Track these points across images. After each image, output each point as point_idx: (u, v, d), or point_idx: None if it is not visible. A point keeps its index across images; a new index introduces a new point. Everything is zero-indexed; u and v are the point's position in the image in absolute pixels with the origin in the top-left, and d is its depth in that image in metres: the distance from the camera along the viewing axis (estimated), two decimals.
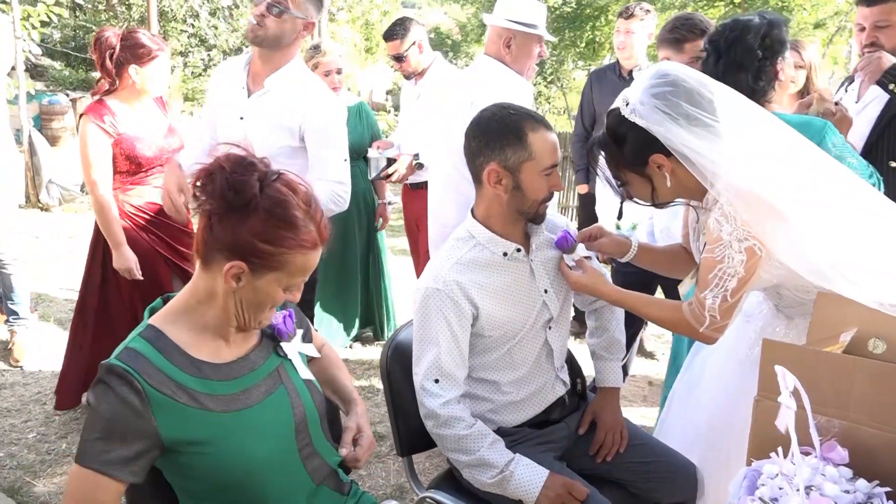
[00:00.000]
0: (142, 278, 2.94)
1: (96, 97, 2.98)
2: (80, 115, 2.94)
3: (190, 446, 1.30)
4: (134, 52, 2.88)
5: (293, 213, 1.29)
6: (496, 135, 1.75)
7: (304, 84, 2.49)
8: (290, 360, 1.50)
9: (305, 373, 1.51)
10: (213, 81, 2.68)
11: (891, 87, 2.40)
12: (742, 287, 1.57)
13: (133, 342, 1.32)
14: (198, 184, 1.29)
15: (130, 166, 2.98)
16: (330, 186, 2.42)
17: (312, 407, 1.48)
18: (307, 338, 1.61)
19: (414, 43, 3.80)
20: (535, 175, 1.75)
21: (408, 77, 3.98)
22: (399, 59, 3.85)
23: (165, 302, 1.43)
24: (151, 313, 1.40)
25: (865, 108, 2.54)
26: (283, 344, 1.49)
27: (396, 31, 3.81)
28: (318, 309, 4.07)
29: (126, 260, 2.92)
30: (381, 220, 4.22)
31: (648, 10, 3.76)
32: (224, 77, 2.60)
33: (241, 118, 2.46)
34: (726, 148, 1.53)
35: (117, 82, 2.95)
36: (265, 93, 2.45)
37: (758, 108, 1.68)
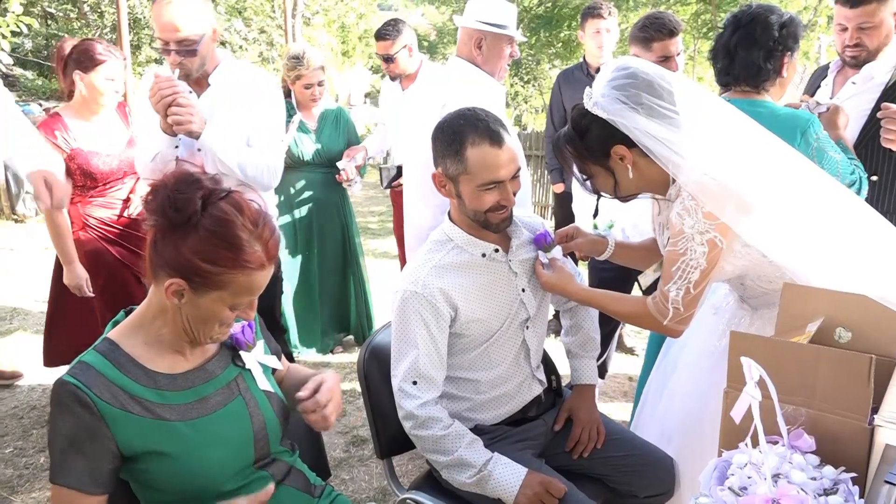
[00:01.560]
0: (92, 295, 2.92)
1: (52, 111, 2.96)
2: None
3: (147, 456, 1.31)
4: (78, 59, 2.85)
5: (236, 232, 1.27)
6: (440, 143, 1.77)
7: (242, 75, 2.53)
8: (249, 371, 1.49)
9: (265, 384, 1.50)
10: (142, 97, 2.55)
11: None
12: (704, 278, 1.61)
13: (86, 356, 1.33)
14: (147, 199, 1.29)
15: (87, 181, 2.95)
16: (267, 160, 2.48)
17: (273, 416, 1.48)
18: (271, 350, 1.60)
19: (405, 46, 3.85)
20: (472, 189, 1.74)
21: (393, 78, 4.01)
22: (388, 59, 3.88)
23: (128, 315, 1.43)
24: (114, 326, 1.41)
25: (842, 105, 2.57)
26: (242, 354, 1.49)
27: (389, 31, 3.84)
28: (295, 317, 4.05)
29: (76, 277, 2.90)
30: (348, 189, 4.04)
31: (610, 10, 3.83)
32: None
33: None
34: (686, 138, 1.57)
35: (74, 94, 2.92)
36: (211, 91, 2.46)
37: (718, 99, 1.72)
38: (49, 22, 15.48)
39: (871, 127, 2.43)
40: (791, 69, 2.14)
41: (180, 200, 1.25)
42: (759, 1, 2.23)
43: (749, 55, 2.08)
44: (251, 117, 2.48)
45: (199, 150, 2.40)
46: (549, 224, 2.00)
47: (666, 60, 2.83)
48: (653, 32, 2.82)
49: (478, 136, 1.72)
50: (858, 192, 2.10)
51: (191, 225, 1.26)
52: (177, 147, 2.39)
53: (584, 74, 3.99)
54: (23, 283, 5.52)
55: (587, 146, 1.68)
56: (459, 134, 1.73)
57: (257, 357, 1.51)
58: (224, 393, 1.43)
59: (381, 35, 3.88)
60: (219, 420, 1.39)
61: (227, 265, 1.27)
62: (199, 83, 2.46)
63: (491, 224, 1.80)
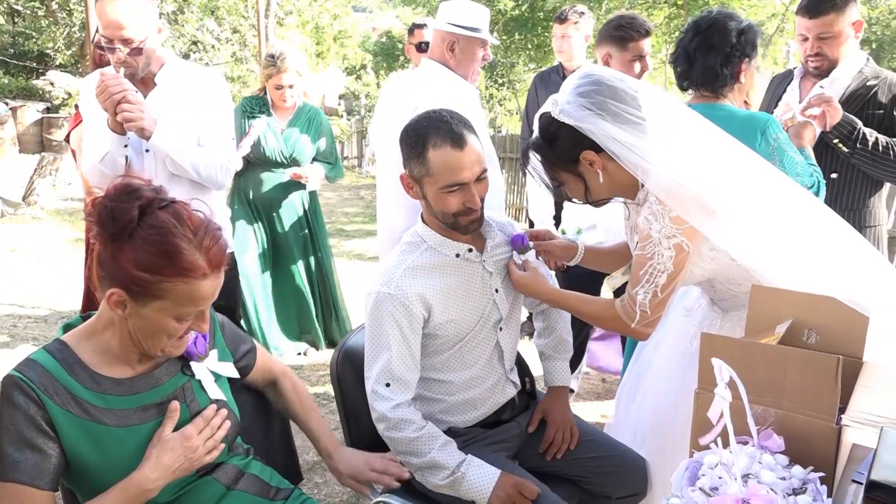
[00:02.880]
0: None
1: None
2: None
3: (86, 459, 1.30)
4: None
5: (174, 241, 1.26)
6: (405, 144, 1.77)
7: (190, 74, 2.50)
8: (198, 381, 1.48)
9: (215, 392, 1.50)
10: (87, 100, 2.45)
11: (835, 141, 2.47)
12: (671, 282, 1.63)
13: (35, 354, 1.33)
14: (88, 211, 1.30)
15: None
16: (219, 159, 2.46)
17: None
18: (227, 357, 1.59)
19: None
20: (436, 191, 1.74)
21: None
22: (420, 48, 4.10)
23: (84, 319, 1.43)
24: (66, 329, 1.41)
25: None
26: (192, 364, 1.48)
27: (427, 23, 4.08)
28: (264, 319, 4.00)
29: None
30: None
31: (583, 13, 3.82)
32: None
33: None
34: (652, 143, 1.59)
35: None
36: (158, 90, 2.42)
37: (681, 104, 1.75)
38: (16, 20, 15.19)
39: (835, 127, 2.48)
40: (749, 75, 2.18)
41: (118, 211, 1.25)
42: (720, 7, 2.26)
43: (707, 60, 2.12)
44: (200, 116, 2.46)
45: (146, 150, 2.36)
46: (522, 226, 2.01)
47: (640, 59, 2.88)
48: (631, 32, 2.85)
49: (440, 138, 1.71)
50: (816, 194, 2.14)
51: (127, 235, 1.25)
52: (126, 146, 2.35)
53: (560, 77, 4.00)
54: None
55: (556, 153, 1.69)
56: (422, 136, 1.73)
57: (209, 366, 1.50)
58: (168, 401, 1.42)
59: (418, 25, 4.22)
60: (156, 427, 1.38)
61: (165, 273, 1.26)
62: (144, 83, 2.41)
63: (460, 226, 1.79)
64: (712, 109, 2.09)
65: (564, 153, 1.67)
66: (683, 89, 2.27)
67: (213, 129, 2.49)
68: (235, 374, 1.60)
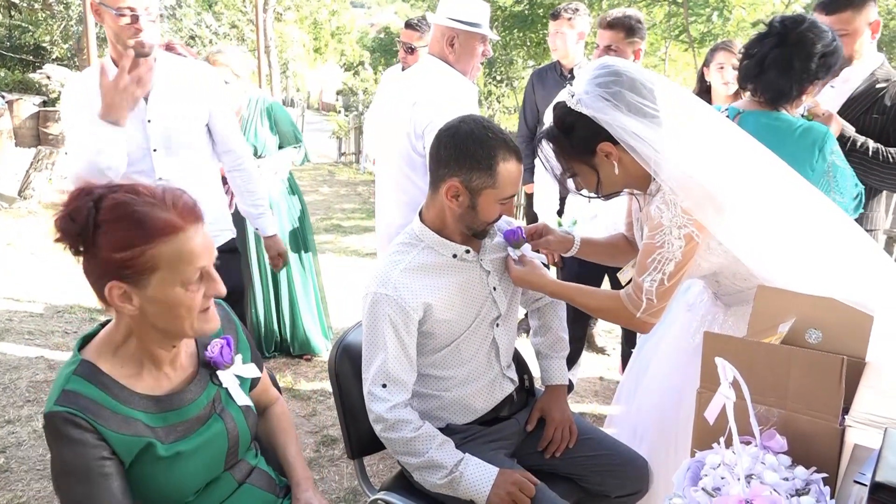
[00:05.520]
0: None
1: None
2: None
3: (147, 477, 1.32)
4: None
5: (137, 209, 1.25)
6: (468, 154, 1.71)
7: (186, 66, 2.49)
8: (226, 389, 1.49)
9: (242, 399, 1.51)
10: (79, 99, 2.33)
11: None
12: (679, 271, 1.62)
13: (70, 384, 1.28)
14: (55, 236, 1.27)
15: None
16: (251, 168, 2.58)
17: (246, 430, 1.51)
18: (248, 356, 1.59)
19: (428, 45, 3.87)
20: (493, 202, 1.74)
21: (405, 70, 4.02)
22: (410, 50, 3.98)
23: (103, 326, 1.41)
24: (85, 340, 1.39)
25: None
26: (219, 372, 1.48)
27: (420, 24, 3.95)
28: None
29: None
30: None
31: (577, 10, 3.81)
32: (86, 98, 2.33)
33: (149, 121, 2.35)
34: (666, 136, 1.58)
35: None
36: (160, 91, 2.37)
37: (697, 99, 1.73)
38: (12, 13, 15.13)
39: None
40: (812, 93, 2.08)
41: (74, 211, 1.24)
42: (810, 18, 2.06)
43: (779, 80, 2.00)
44: (209, 106, 2.48)
45: (154, 150, 2.34)
46: (520, 223, 2.00)
47: (608, 50, 3.05)
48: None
49: (507, 151, 1.71)
50: (860, 205, 2.08)
51: (92, 228, 1.24)
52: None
53: (557, 74, 3.99)
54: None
55: (572, 144, 1.68)
56: (492, 149, 1.70)
57: (235, 371, 1.51)
58: (204, 413, 1.43)
59: (410, 25, 3.98)
60: (196, 440, 1.40)
61: (143, 242, 1.24)
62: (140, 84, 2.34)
63: (485, 232, 1.81)
64: (768, 118, 2.03)
65: (581, 144, 1.66)
66: (744, 88, 2.14)
67: (224, 120, 2.53)
68: (258, 374, 1.60)
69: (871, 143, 2.43)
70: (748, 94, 2.12)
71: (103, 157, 2.20)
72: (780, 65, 1.99)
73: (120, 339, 1.35)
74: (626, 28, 3.06)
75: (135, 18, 2.19)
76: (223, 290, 1.36)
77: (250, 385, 1.60)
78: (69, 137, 2.32)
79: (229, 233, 2.64)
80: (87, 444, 1.23)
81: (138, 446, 1.29)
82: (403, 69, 4.06)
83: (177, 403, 1.39)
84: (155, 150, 2.35)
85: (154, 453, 1.31)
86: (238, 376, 1.52)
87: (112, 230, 1.23)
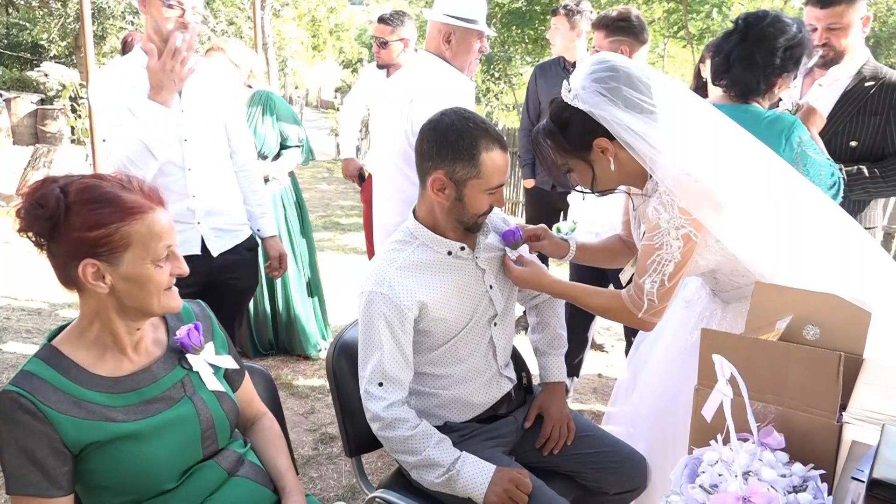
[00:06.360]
0: None
1: None
2: None
3: (92, 454, 1.32)
4: None
5: (108, 190, 1.31)
6: (450, 145, 1.71)
7: (212, 69, 2.54)
8: (196, 373, 1.50)
9: (214, 384, 1.51)
10: (115, 87, 2.32)
11: None
12: (679, 271, 1.62)
13: (28, 364, 1.33)
14: (18, 227, 1.31)
15: None
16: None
17: (222, 416, 1.50)
18: (224, 351, 1.60)
19: (401, 39, 3.91)
20: (479, 192, 1.73)
21: (381, 67, 4.04)
22: (382, 44, 3.94)
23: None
24: (57, 332, 1.42)
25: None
26: (189, 357, 1.49)
27: (391, 18, 3.92)
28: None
29: None
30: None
31: (572, 8, 3.81)
32: (126, 82, 2.34)
33: (182, 111, 2.38)
34: (663, 133, 1.57)
35: None
36: (192, 85, 2.39)
37: (693, 95, 1.72)
38: (10, 10, 15.11)
39: (830, 128, 2.48)
40: (784, 85, 2.10)
41: (42, 197, 1.28)
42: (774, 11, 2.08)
43: (745, 76, 2.03)
44: (229, 106, 2.52)
45: (189, 169, 2.37)
46: (519, 221, 2.00)
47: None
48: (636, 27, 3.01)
49: (489, 140, 1.71)
50: (838, 192, 2.09)
51: (62, 210, 1.27)
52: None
53: (560, 69, 3.99)
54: None
55: (568, 139, 1.67)
56: (472, 138, 1.70)
57: (206, 358, 1.52)
58: (170, 395, 1.44)
59: (382, 19, 3.96)
60: (164, 421, 1.40)
61: (116, 220, 1.29)
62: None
63: (476, 225, 1.80)
64: (738, 111, 2.03)
65: (577, 139, 1.65)
66: (715, 83, 2.17)
67: (238, 126, 2.59)
68: (234, 365, 1.60)
69: (855, 168, 2.46)
70: (721, 89, 2.16)
71: (153, 136, 2.25)
72: (744, 61, 2.03)
73: (85, 323, 1.38)
74: (606, 27, 3.09)
75: (182, 12, 2.26)
76: (186, 269, 1.41)
77: (232, 387, 1.60)
78: (106, 124, 2.34)
79: (248, 229, 2.66)
80: (28, 428, 1.26)
81: (90, 428, 1.30)
82: (379, 66, 4.07)
83: (138, 384, 1.40)
84: (186, 141, 2.37)
85: (111, 432, 1.32)
86: (211, 364, 1.53)
87: (84, 211, 1.28)
